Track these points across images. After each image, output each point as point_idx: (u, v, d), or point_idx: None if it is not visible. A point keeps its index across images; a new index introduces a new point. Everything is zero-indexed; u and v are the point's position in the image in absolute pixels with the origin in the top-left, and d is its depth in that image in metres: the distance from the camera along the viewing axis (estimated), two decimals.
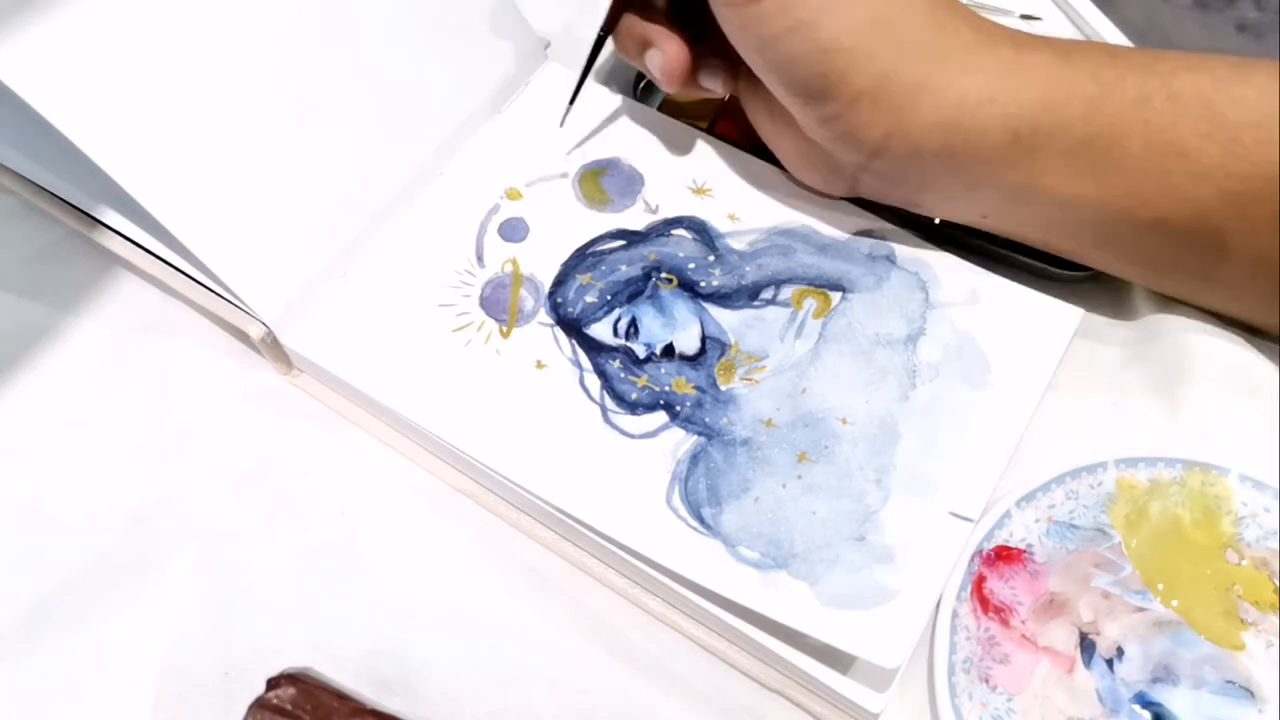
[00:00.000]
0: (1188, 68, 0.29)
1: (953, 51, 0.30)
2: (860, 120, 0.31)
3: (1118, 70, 0.30)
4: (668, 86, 0.35)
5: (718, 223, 0.37)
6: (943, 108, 0.30)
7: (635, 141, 0.39)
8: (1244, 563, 0.31)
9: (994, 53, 0.30)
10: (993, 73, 0.30)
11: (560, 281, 0.36)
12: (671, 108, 0.41)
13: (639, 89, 0.41)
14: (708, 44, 0.35)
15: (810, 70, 0.30)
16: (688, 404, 0.33)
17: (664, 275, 0.36)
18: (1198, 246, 0.31)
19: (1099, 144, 0.30)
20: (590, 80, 0.40)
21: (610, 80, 0.42)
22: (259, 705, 0.29)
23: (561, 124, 0.39)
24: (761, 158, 0.38)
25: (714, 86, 0.36)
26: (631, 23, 0.35)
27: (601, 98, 0.40)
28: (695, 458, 0.32)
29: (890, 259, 0.36)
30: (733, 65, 0.35)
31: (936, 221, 0.36)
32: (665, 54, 0.34)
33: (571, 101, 0.38)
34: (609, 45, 0.37)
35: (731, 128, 0.40)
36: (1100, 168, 0.30)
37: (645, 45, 0.35)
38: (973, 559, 0.30)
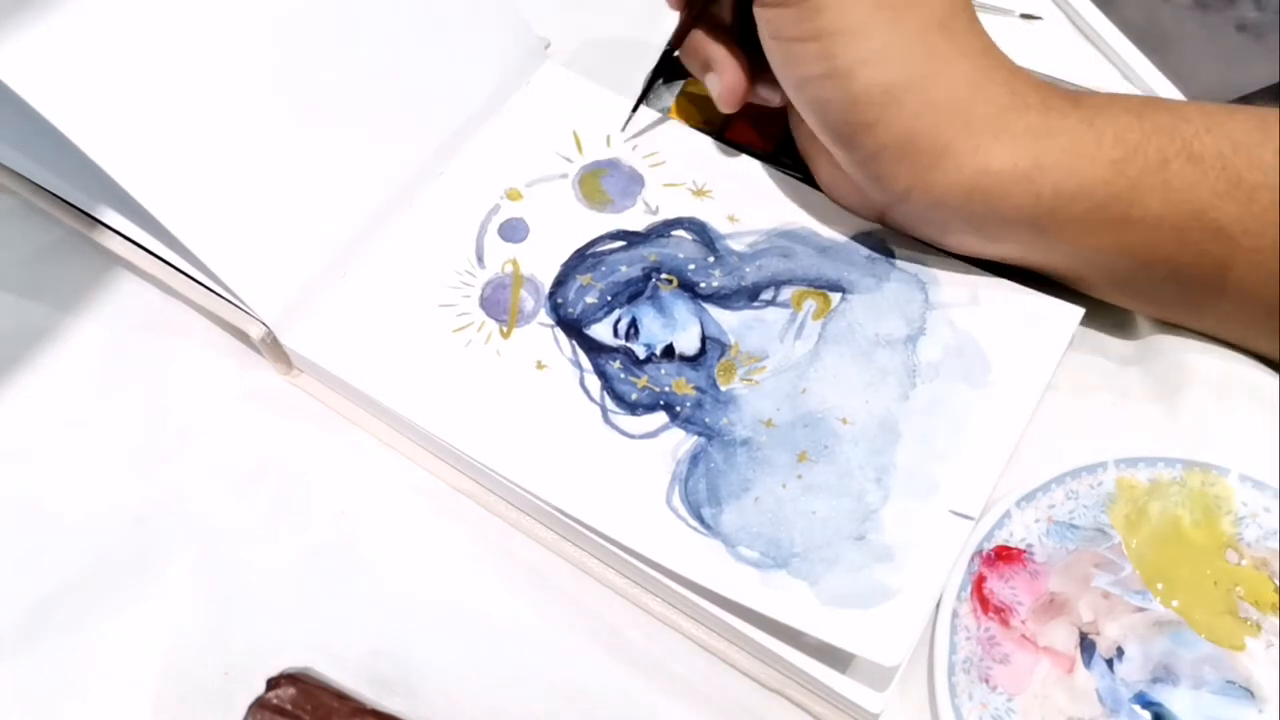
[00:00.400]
0: (1209, 129, 0.30)
1: (983, 117, 0.30)
2: (884, 171, 0.32)
3: (1143, 133, 0.30)
4: (724, 108, 0.37)
5: (718, 224, 0.37)
6: (965, 171, 0.31)
7: (636, 143, 0.39)
8: (1244, 563, 0.31)
9: (1023, 119, 0.30)
10: (1019, 140, 0.30)
11: (560, 282, 0.36)
12: (682, 112, 0.41)
13: (648, 91, 0.41)
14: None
15: (839, 117, 0.32)
16: (688, 404, 0.33)
17: (664, 276, 0.36)
18: (1215, 294, 0.32)
19: (1119, 204, 0.30)
20: (594, 84, 0.40)
21: (635, 88, 0.42)
22: (259, 705, 0.29)
23: (623, 128, 0.39)
24: (770, 164, 0.38)
25: (770, 98, 0.37)
26: (698, 40, 0.36)
27: (607, 100, 0.40)
28: (695, 458, 0.32)
29: (890, 260, 0.36)
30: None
31: None
32: (724, 79, 0.36)
33: (635, 109, 0.39)
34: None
35: (743, 134, 0.40)
36: (1119, 226, 0.31)
37: (707, 66, 0.36)
38: (973, 559, 0.30)
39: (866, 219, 0.36)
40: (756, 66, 0.36)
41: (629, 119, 0.39)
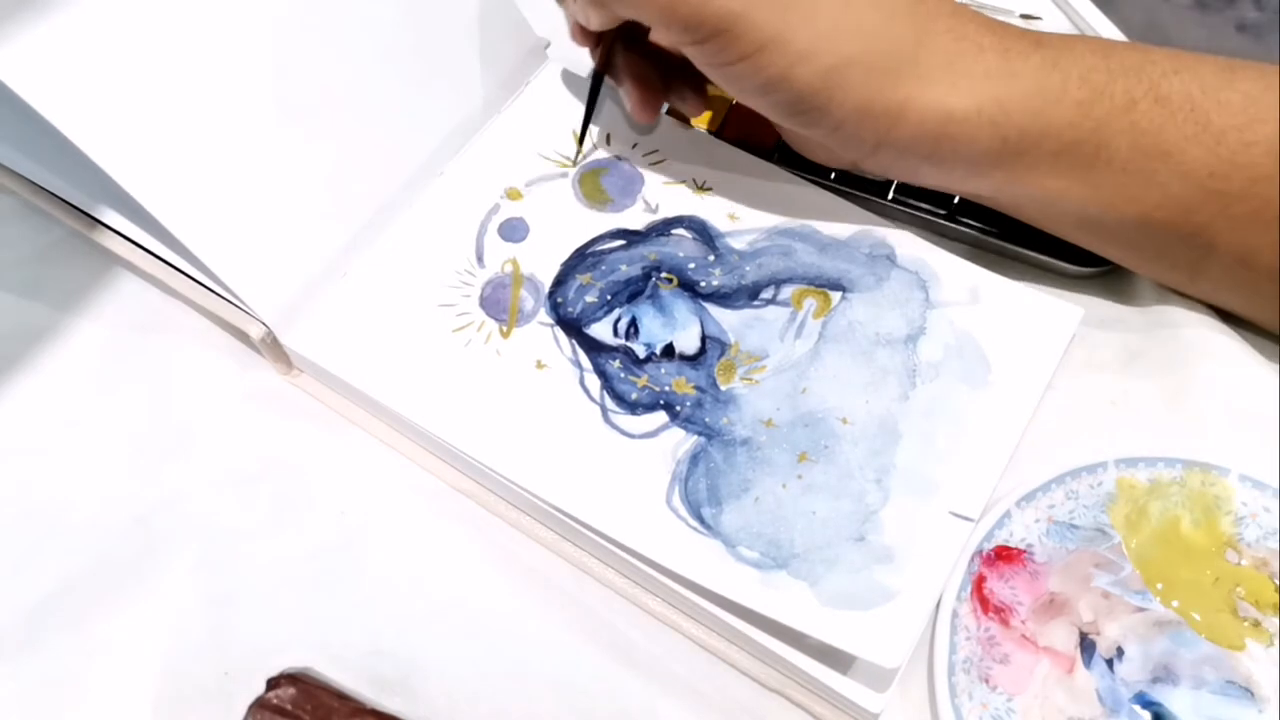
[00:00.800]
0: (1176, 70, 0.30)
1: (935, 68, 0.30)
2: (849, 135, 0.32)
3: (1109, 74, 0.30)
4: (640, 118, 0.37)
5: (718, 222, 0.37)
6: (928, 122, 0.31)
7: (635, 141, 0.39)
8: (1244, 562, 0.31)
9: (980, 62, 0.30)
10: (978, 84, 0.30)
11: (560, 281, 0.36)
12: (676, 116, 0.41)
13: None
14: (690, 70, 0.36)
15: (790, 112, 0.32)
16: (688, 404, 0.33)
17: (664, 275, 0.36)
18: (1182, 240, 0.32)
19: (1086, 146, 0.30)
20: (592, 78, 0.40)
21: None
22: (259, 705, 0.29)
23: (575, 162, 0.39)
24: (768, 160, 0.38)
25: (691, 111, 0.38)
26: (645, 85, 0.37)
27: (609, 95, 0.40)
28: (695, 458, 0.32)
29: (890, 258, 0.36)
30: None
31: (955, 201, 0.37)
32: (630, 96, 0.37)
33: (580, 140, 0.39)
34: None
35: (740, 130, 0.40)
36: (1087, 168, 0.31)
37: (621, 83, 0.37)
38: (973, 559, 0.30)
39: (841, 165, 0.37)
40: (668, 77, 0.37)
41: (579, 149, 0.39)
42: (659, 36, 0.34)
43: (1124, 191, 0.31)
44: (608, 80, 0.38)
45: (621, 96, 0.38)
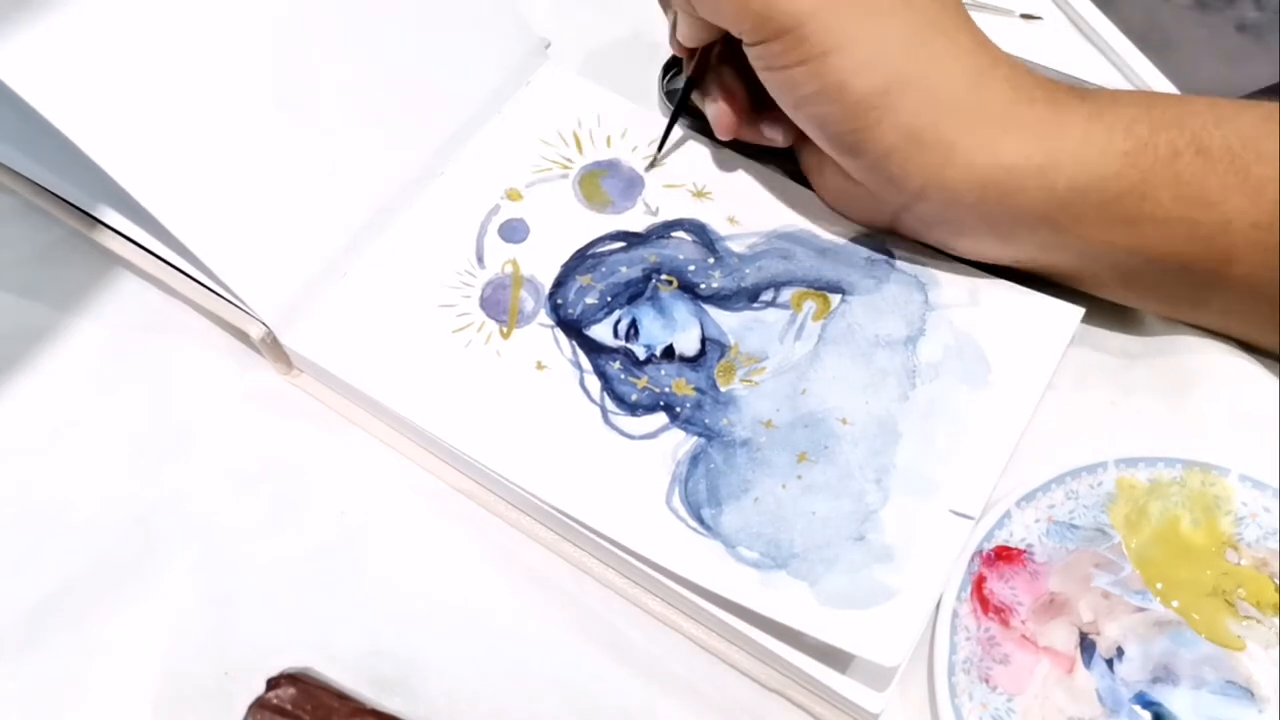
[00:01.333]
0: (1216, 123, 0.30)
1: (989, 111, 0.31)
2: (895, 171, 0.32)
3: (1151, 126, 0.30)
4: (721, 136, 0.37)
5: (718, 225, 0.37)
6: (978, 165, 0.31)
7: (636, 143, 0.39)
8: (1244, 562, 0.31)
9: (1031, 112, 0.31)
10: (1029, 133, 0.30)
11: (560, 283, 0.36)
12: (693, 113, 0.41)
13: (673, 124, 0.41)
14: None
15: (840, 128, 0.32)
16: (688, 405, 0.33)
17: (664, 277, 0.36)
18: (1217, 287, 0.32)
19: (1131, 198, 0.30)
20: (594, 84, 0.40)
21: (636, 88, 0.42)
22: (259, 705, 0.29)
23: (648, 169, 0.39)
24: (771, 164, 0.38)
25: (774, 137, 0.37)
26: (731, 102, 0.37)
27: (608, 100, 0.40)
28: (695, 459, 0.32)
29: (889, 261, 0.36)
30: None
31: None
32: (715, 111, 0.37)
33: (660, 146, 0.39)
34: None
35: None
36: (1132, 219, 0.31)
37: (707, 95, 0.37)
38: (973, 559, 0.30)
39: (878, 229, 0.36)
40: (759, 103, 0.36)
41: (658, 153, 0.39)
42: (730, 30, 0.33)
43: (1168, 243, 0.31)
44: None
45: (706, 108, 0.37)
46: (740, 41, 0.33)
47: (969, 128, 0.30)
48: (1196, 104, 0.31)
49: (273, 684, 0.30)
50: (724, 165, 0.39)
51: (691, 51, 0.37)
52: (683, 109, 0.38)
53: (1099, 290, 0.35)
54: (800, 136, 0.36)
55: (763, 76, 0.33)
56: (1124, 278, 0.33)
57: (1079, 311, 0.34)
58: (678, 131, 0.39)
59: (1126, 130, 0.30)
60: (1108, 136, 0.30)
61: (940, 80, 0.30)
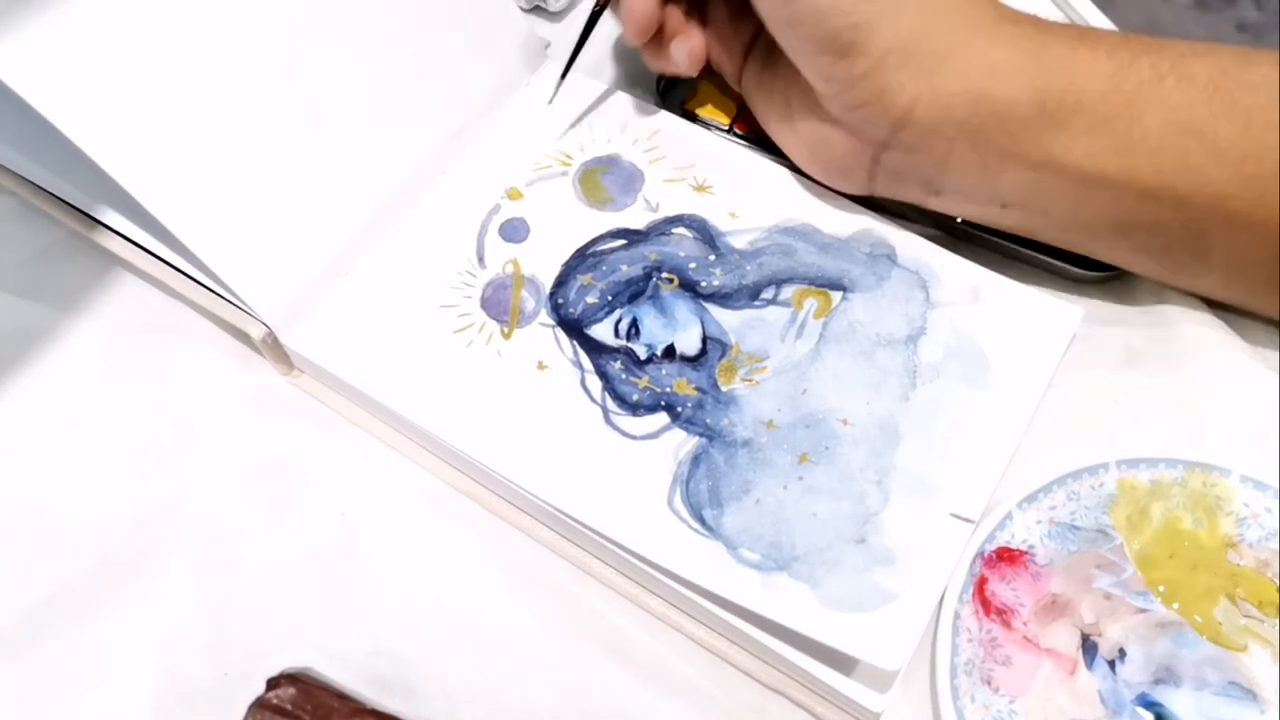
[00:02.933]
0: (1195, 53, 0.30)
1: (981, 22, 0.31)
2: (888, 81, 0.31)
3: (1131, 51, 0.30)
4: (690, 72, 0.37)
5: (718, 221, 0.37)
6: (972, 74, 0.30)
7: (635, 137, 0.39)
8: (1245, 563, 0.31)
9: (1018, 29, 0.31)
10: (1019, 46, 0.31)
11: (561, 282, 0.36)
12: (691, 108, 0.41)
13: (660, 90, 0.41)
14: (712, 27, 0.36)
15: (839, 22, 0.31)
16: (689, 405, 0.33)
17: (665, 275, 0.36)
18: (1217, 230, 0.31)
19: (1120, 121, 0.30)
20: (594, 82, 0.40)
21: (634, 83, 0.42)
22: (259, 705, 0.29)
23: (550, 101, 0.39)
24: (772, 156, 0.38)
25: (679, 59, 0.36)
26: (648, 7, 0.35)
27: (604, 93, 0.40)
28: (696, 459, 0.32)
29: (891, 258, 0.36)
30: (737, 54, 0.36)
31: (959, 221, 0.36)
32: (691, 44, 0.36)
33: (563, 76, 0.39)
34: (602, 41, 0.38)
35: (754, 125, 0.40)
36: (1122, 145, 0.30)
37: (671, 34, 0.36)
38: (974, 560, 0.30)
39: (849, 191, 0.36)
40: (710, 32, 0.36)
41: (556, 89, 0.39)
42: None
43: (1159, 174, 0.31)
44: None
45: (670, 51, 0.36)
46: None
47: (966, 34, 0.31)
48: (1172, 40, 0.31)
49: (273, 684, 0.30)
50: (724, 158, 0.38)
51: None
52: (593, 25, 0.38)
53: (1095, 245, 0.34)
54: (762, 87, 0.36)
55: None
56: (1119, 223, 0.32)
57: (1079, 312, 0.34)
58: (647, 106, 0.40)
59: (1109, 53, 0.30)
60: (1091, 56, 0.30)
61: None
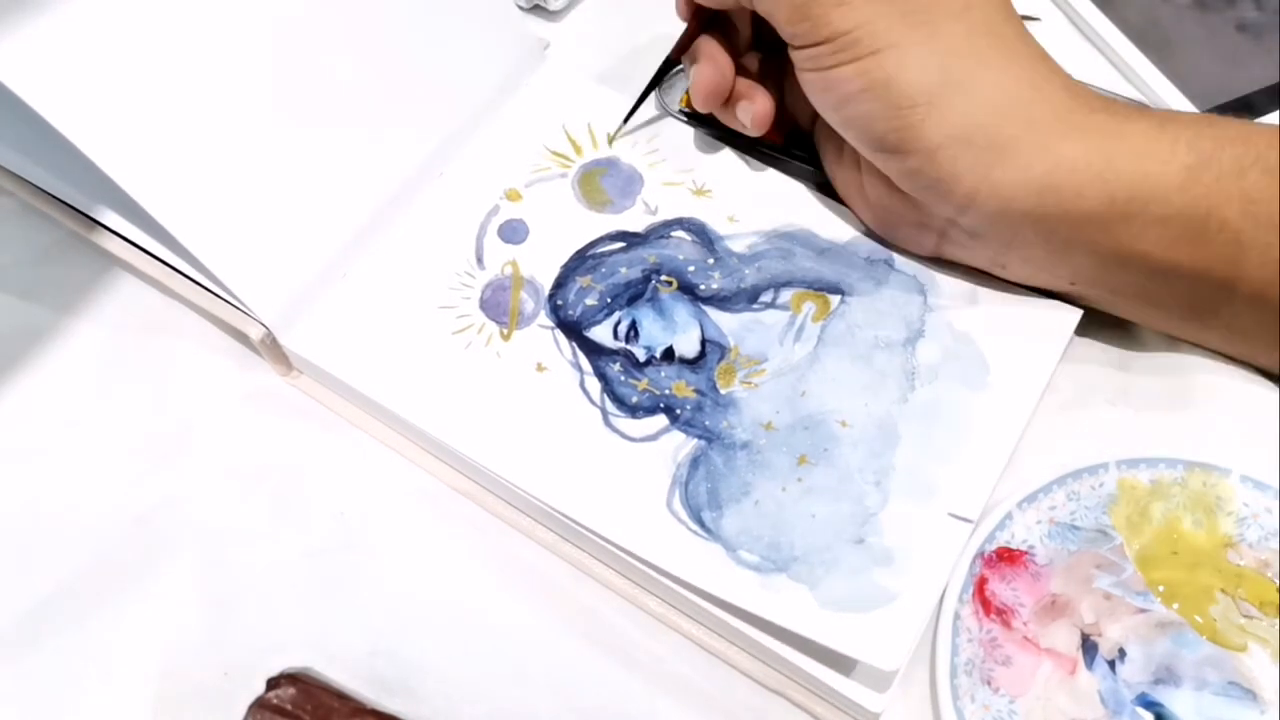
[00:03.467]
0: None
1: (1047, 114, 0.30)
2: (945, 172, 0.30)
3: (1215, 142, 0.29)
4: (755, 133, 0.37)
5: (717, 224, 0.37)
6: (1035, 168, 0.30)
7: (635, 140, 0.39)
8: (1245, 563, 0.31)
9: (1090, 119, 0.30)
10: (1090, 138, 0.29)
11: (560, 284, 0.36)
12: (691, 111, 0.41)
13: (646, 95, 0.41)
14: (790, 78, 0.35)
15: (886, 126, 0.31)
16: (688, 407, 0.33)
17: (664, 278, 0.36)
18: (1261, 312, 0.31)
19: (1196, 213, 0.29)
20: (593, 84, 0.40)
21: (633, 85, 0.42)
22: (259, 705, 0.29)
23: (610, 142, 0.39)
24: (784, 158, 0.38)
25: (744, 120, 0.36)
26: (720, 69, 0.36)
27: (607, 100, 0.40)
28: (695, 461, 0.32)
29: (889, 262, 0.36)
30: (810, 108, 0.35)
31: None
32: (757, 107, 0.36)
33: (631, 112, 0.39)
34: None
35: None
36: (1197, 237, 0.30)
37: (738, 97, 0.36)
38: (974, 560, 0.30)
39: (922, 252, 0.35)
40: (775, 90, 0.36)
41: (626, 120, 0.39)
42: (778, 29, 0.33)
43: (1236, 266, 0.30)
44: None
45: (736, 112, 0.36)
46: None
47: (1024, 129, 0.29)
48: (1253, 126, 0.30)
49: (273, 684, 0.30)
50: (724, 163, 0.38)
51: (695, 11, 0.36)
52: (665, 73, 0.38)
53: (1169, 326, 0.33)
54: (835, 153, 0.36)
55: (805, 78, 0.32)
56: (1190, 308, 0.32)
57: (1077, 313, 0.34)
58: (665, 119, 0.39)
59: (1190, 144, 0.29)
60: (1170, 149, 0.29)
61: (992, 84, 0.30)
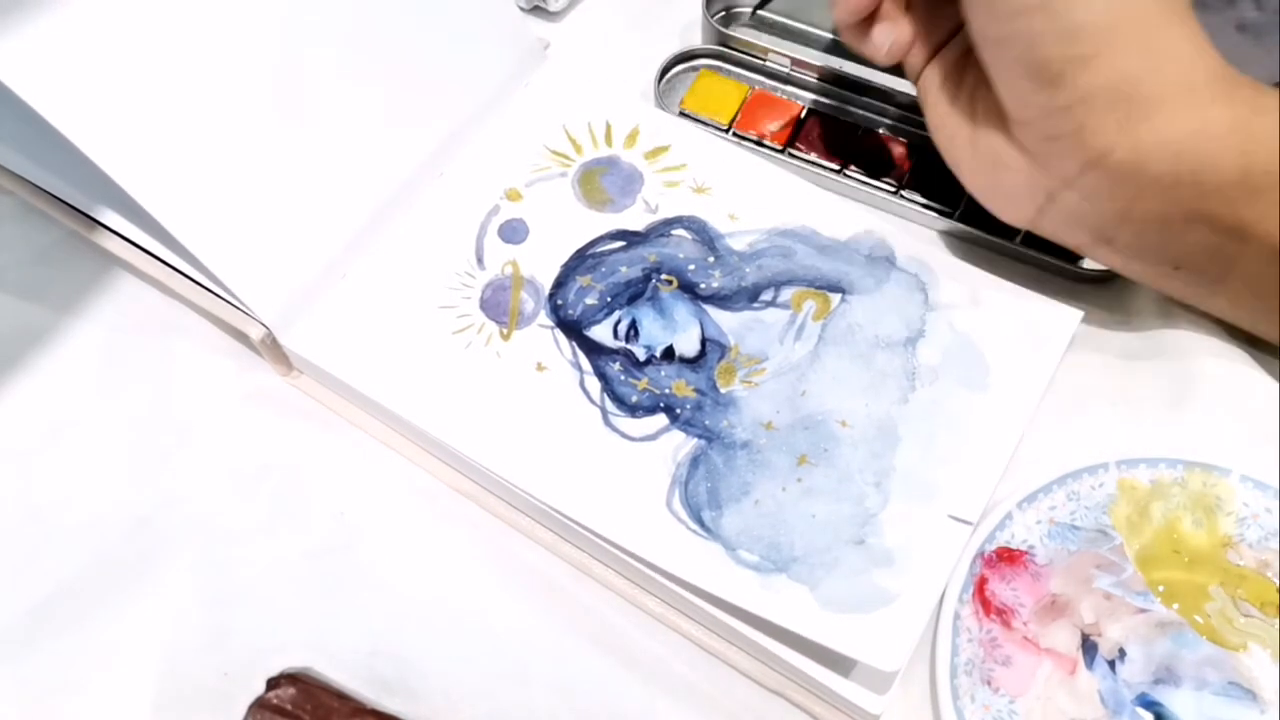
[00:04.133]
0: None
1: (1199, 79, 0.29)
2: (1089, 120, 0.29)
3: None
4: (885, 63, 0.35)
5: (717, 222, 0.37)
6: (1179, 129, 0.29)
7: (636, 139, 0.39)
8: (1245, 563, 0.31)
9: (1238, 90, 0.29)
10: (1234, 108, 0.29)
11: (560, 283, 0.36)
12: (696, 103, 0.41)
13: (660, 85, 0.41)
14: (912, 15, 0.34)
15: (1052, 51, 0.29)
16: (688, 407, 0.33)
17: (664, 277, 0.36)
18: None
19: None
20: (593, 84, 0.40)
21: (634, 83, 0.42)
22: (259, 705, 0.29)
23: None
24: (772, 160, 0.38)
25: (881, 43, 0.34)
26: None
27: (607, 100, 0.40)
28: (695, 461, 0.32)
29: (890, 260, 0.36)
30: (926, 49, 0.34)
31: (956, 215, 0.36)
32: (898, 33, 0.34)
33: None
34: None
35: (750, 124, 0.40)
36: None
37: (880, 17, 0.34)
38: (974, 560, 0.30)
39: (1016, 217, 0.33)
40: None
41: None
42: None
43: None
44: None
45: (872, 35, 0.34)
46: None
47: (1184, 88, 0.28)
48: None
49: (273, 684, 0.30)
50: (724, 160, 0.38)
51: None
52: None
53: (1265, 324, 0.32)
54: (949, 100, 0.34)
55: None
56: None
57: (1078, 314, 0.34)
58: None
59: None
60: None
61: (1166, 36, 0.29)
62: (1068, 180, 0.31)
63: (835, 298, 0.35)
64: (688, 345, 0.34)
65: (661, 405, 0.33)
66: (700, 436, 0.32)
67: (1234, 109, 0.29)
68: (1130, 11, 0.28)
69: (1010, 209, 0.33)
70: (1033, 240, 0.36)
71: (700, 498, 0.31)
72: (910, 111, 0.40)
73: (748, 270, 0.36)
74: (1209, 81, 0.29)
